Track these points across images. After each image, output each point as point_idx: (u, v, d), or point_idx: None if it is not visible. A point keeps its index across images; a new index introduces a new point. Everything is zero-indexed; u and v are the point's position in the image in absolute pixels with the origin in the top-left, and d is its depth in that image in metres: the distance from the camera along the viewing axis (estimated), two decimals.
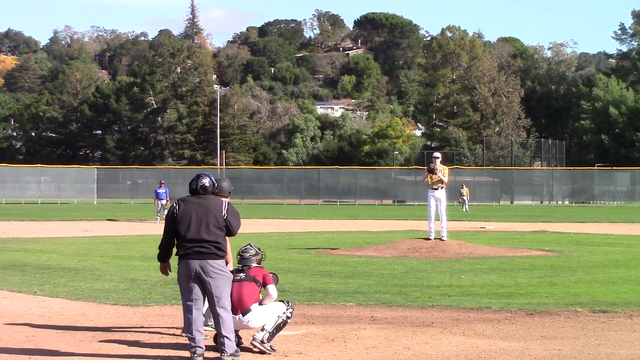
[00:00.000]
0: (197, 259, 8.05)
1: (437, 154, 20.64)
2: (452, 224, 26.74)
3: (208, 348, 8.39)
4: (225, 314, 8.09)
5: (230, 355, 8.05)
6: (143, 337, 9.37)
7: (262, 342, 8.41)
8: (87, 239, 25.79)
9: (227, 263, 8.75)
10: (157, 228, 32.06)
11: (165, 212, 36.08)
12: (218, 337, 8.17)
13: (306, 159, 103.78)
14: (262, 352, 8.37)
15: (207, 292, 8.12)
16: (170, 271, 8.55)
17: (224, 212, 8.15)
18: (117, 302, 12.00)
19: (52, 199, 67.60)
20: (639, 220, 39.69)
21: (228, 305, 8.16)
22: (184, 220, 8.11)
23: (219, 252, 8.12)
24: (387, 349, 8.72)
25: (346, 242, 24.03)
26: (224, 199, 8.42)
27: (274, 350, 8.45)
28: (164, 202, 37.04)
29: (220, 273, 8.12)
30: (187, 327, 8.16)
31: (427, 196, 20.09)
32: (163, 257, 8.42)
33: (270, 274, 8.80)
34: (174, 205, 8.29)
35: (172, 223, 8.20)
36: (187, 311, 8.16)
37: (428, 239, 20.06)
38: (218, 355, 8.13)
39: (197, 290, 8.13)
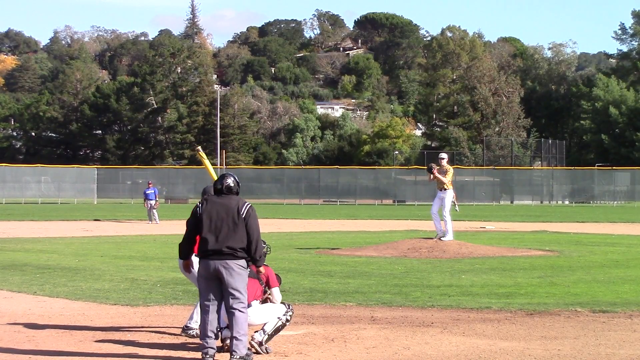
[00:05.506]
0: (216, 259, 8.02)
1: (443, 155, 20.75)
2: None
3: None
4: (240, 315, 7.97)
5: (241, 357, 7.91)
6: (143, 337, 9.36)
7: (260, 344, 8.39)
8: (87, 239, 25.76)
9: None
10: (157, 229, 32.08)
11: (155, 213, 36.11)
12: (230, 338, 8.03)
13: (306, 159, 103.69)
14: (257, 353, 8.32)
15: (223, 290, 8.06)
16: (193, 268, 8.61)
17: (244, 212, 8.11)
18: (117, 302, 12.00)
19: (52, 199, 67.52)
20: (639, 220, 39.68)
21: (243, 305, 8.04)
22: (206, 220, 8.10)
23: (238, 252, 8.05)
24: (387, 349, 8.72)
25: (346, 242, 24.01)
26: (246, 201, 8.35)
27: (269, 352, 8.42)
28: (152, 202, 36.52)
29: (238, 271, 8.03)
30: (203, 327, 8.11)
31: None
32: (184, 254, 8.45)
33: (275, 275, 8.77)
34: (199, 204, 8.26)
35: (194, 221, 8.20)
36: (204, 312, 8.15)
37: (431, 238, 20.15)
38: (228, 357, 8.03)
39: (215, 291, 8.10)
